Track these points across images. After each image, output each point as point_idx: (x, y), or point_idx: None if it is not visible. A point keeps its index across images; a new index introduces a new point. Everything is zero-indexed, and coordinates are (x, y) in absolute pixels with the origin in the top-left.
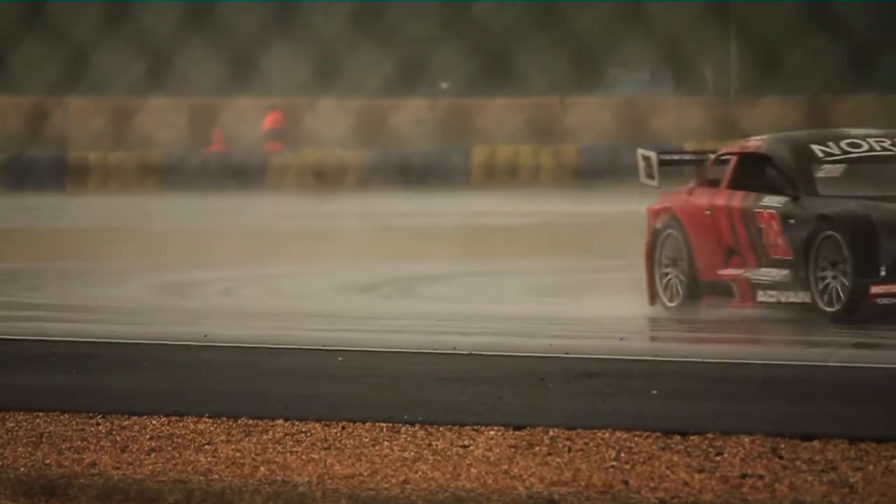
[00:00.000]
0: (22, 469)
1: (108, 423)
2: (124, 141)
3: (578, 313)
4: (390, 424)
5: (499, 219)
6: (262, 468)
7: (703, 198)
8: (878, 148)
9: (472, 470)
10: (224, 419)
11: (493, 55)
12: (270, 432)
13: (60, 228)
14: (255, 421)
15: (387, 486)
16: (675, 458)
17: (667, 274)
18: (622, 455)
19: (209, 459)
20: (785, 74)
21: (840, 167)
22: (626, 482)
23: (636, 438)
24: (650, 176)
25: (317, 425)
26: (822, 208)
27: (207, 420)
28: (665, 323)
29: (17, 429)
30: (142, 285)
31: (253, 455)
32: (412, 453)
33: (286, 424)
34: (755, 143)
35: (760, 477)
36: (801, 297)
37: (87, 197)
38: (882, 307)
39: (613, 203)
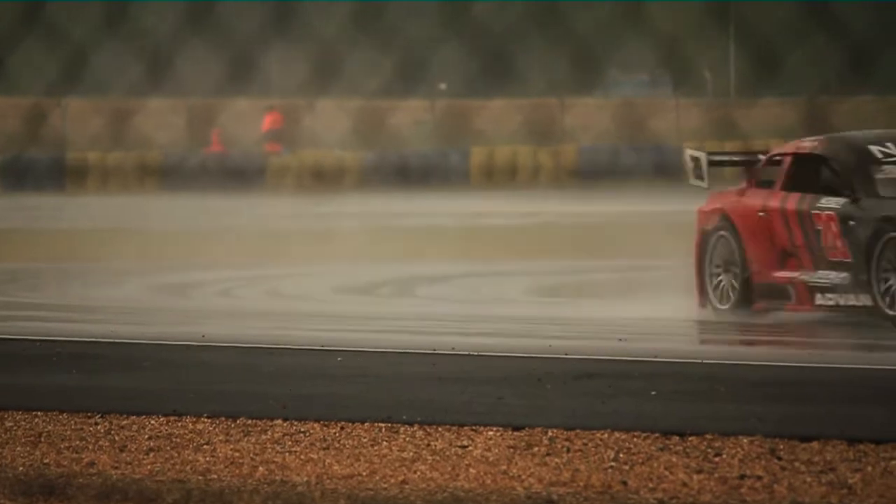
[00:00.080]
0: (20, 468)
1: (106, 423)
2: (123, 141)
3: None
4: (389, 424)
5: (498, 219)
6: (260, 468)
7: (756, 199)
8: None
9: (471, 470)
10: (223, 419)
11: (492, 56)
12: (269, 432)
13: (60, 229)
14: (254, 421)
15: (385, 486)
16: (674, 459)
17: (718, 276)
18: (621, 456)
19: (208, 459)
20: (784, 75)
21: None
22: (624, 483)
23: (635, 439)
24: (699, 177)
25: (315, 425)
26: (885, 210)
27: (206, 420)
28: (718, 326)
29: (15, 428)
30: (141, 285)
31: (251, 455)
32: (411, 453)
33: (285, 424)
34: (810, 143)
35: (759, 478)
36: (862, 299)
37: (86, 197)
38: None
39: (613, 203)
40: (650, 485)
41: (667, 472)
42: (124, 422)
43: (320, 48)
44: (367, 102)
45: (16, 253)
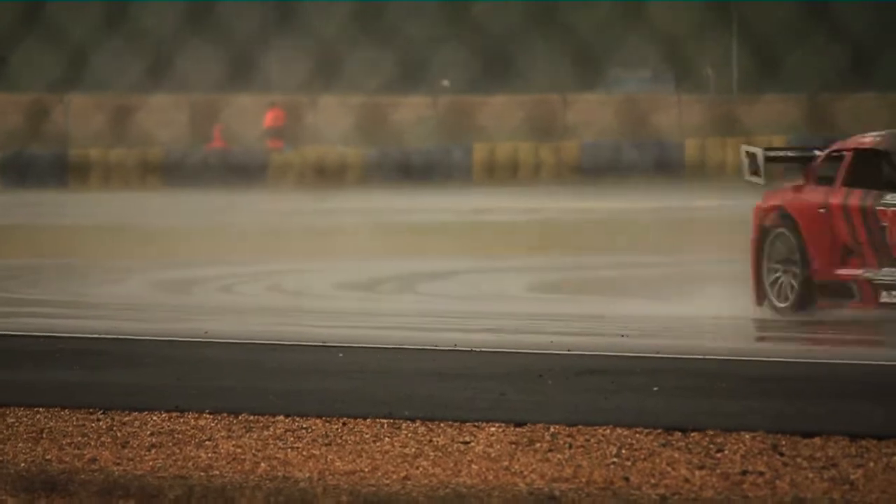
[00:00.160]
0: (22, 464)
1: (108, 419)
2: (125, 138)
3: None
4: (391, 420)
5: (500, 216)
6: (262, 464)
7: (816, 195)
8: None
9: (473, 466)
10: (225, 415)
11: (494, 53)
12: (271, 428)
13: (62, 225)
14: (256, 417)
15: (388, 482)
16: (676, 455)
17: (776, 273)
18: (623, 452)
19: (210, 455)
20: (785, 73)
21: None
22: (626, 479)
23: (637, 435)
24: (755, 173)
25: (317, 421)
26: None
27: (208, 416)
28: (780, 324)
29: (17, 424)
30: (143, 282)
31: (254, 451)
32: (413, 449)
33: (287, 420)
34: (871, 139)
35: (761, 473)
36: None
37: (88, 194)
38: None
39: (615, 200)
40: (652, 481)
41: (669, 468)
42: (126, 418)
43: (322, 44)
44: (370, 99)
45: (18, 249)
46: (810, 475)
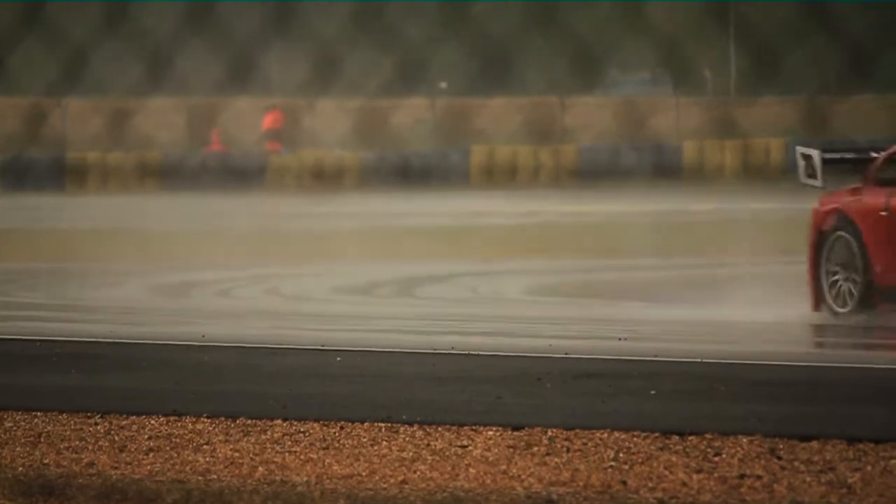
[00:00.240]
0: (20, 469)
1: (106, 423)
2: (123, 141)
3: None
4: (389, 424)
5: (498, 219)
6: (260, 468)
7: (877, 198)
8: None
9: (471, 470)
10: (222, 419)
11: (492, 55)
12: (269, 432)
13: (59, 229)
14: (254, 421)
15: (385, 486)
16: (674, 459)
17: (835, 277)
18: (621, 455)
19: (207, 459)
20: (784, 75)
21: None
22: (624, 482)
23: (635, 439)
24: (811, 175)
25: (315, 425)
26: None
27: (206, 420)
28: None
29: (15, 428)
30: (141, 285)
31: (251, 455)
32: (411, 453)
33: (284, 424)
34: None
35: (759, 477)
36: None
37: (86, 197)
38: None
39: (613, 203)
40: (650, 484)
41: (666, 472)
42: (124, 422)
43: (320, 47)
44: (368, 102)
45: (15, 253)
46: (808, 479)
